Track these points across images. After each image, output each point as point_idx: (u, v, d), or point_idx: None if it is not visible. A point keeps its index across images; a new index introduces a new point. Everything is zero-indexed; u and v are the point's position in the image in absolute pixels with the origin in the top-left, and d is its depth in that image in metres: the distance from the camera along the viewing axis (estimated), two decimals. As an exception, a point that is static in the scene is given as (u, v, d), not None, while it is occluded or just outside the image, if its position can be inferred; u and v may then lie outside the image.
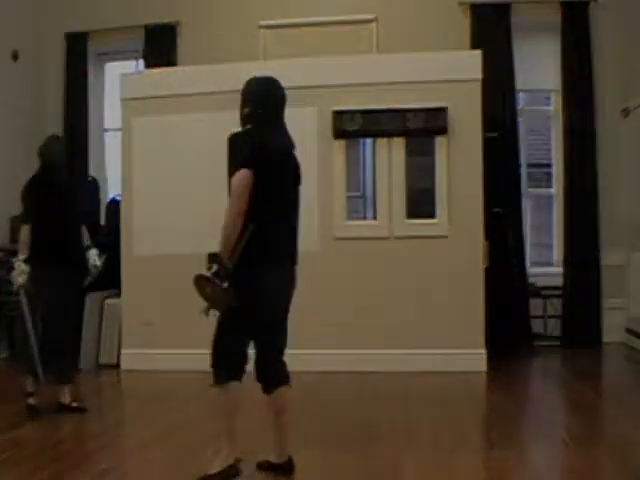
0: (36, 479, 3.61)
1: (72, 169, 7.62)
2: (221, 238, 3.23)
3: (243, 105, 3.53)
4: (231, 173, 3.32)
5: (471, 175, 6.03)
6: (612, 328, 7.08)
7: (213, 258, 3.21)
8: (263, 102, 3.51)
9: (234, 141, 3.51)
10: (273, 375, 3.48)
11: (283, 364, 3.52)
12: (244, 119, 3.52)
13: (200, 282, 3.21)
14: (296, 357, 5.91)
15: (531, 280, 7.23)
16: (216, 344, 3.44)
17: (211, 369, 3.44)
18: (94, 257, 5.08)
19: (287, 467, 3.54)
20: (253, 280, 3.30)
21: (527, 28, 7.34)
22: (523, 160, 7.43)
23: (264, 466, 3.60)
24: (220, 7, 7.61)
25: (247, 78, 3.58)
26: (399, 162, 6.17)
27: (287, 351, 3.50)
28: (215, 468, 3.41)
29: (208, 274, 3.18)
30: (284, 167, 3.51)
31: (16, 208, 5.39)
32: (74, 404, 4.83)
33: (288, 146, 3.57)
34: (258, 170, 3.29)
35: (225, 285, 3.15)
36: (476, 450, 4.05)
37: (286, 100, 3.57)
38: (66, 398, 4.81)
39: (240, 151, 3.39)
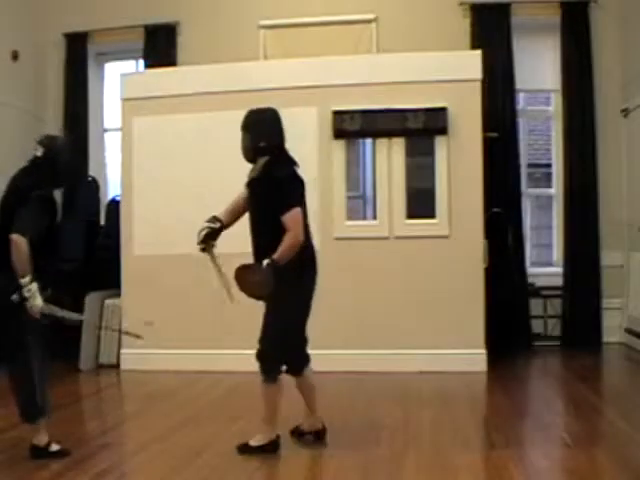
0: (36, 479, 3.62)
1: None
2: (284, 254, 3.72)
3: (256, 138, 3.77)
4: (281, 208, 3.73)
5: (471, 175, 6.03)
6: (612, 328, 7.07)
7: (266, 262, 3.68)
8: (277, 132, 3.85)
9: (280, 179, 3.78)
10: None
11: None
12: (258, 151, 3.79)
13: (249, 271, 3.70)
14: (296, 357, 5.93)
15: (531, 280, 7.23)
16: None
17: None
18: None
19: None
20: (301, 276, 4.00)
21: (527, 28, 7.33)
22: (523, 160, 7.42)
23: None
24: (220, 7, 7.60)
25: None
26: (399, 162, 6.16)
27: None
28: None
29: (263, 264, 3.67)
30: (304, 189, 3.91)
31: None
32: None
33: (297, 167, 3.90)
34: (302, 203, 3.85)
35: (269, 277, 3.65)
36: (476, 450, 4.05)
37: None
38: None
39: (282, 189, 3.76)
